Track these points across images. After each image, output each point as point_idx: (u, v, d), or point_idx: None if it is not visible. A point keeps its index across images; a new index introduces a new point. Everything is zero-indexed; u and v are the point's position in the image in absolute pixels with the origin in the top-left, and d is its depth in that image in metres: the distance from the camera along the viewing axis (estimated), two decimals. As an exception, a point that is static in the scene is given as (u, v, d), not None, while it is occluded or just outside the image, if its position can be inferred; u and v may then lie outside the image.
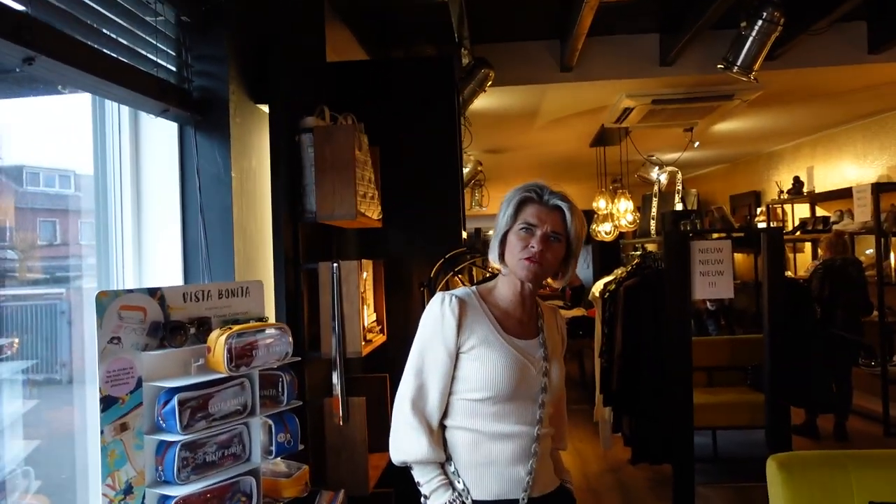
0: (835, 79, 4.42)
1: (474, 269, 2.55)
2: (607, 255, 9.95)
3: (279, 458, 1.58)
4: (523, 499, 1.42)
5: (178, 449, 1.28)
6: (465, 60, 3.58)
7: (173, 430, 1.28)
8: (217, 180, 1.70)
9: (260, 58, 1.92)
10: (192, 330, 1.40)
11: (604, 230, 6.60)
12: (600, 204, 6.62)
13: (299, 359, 1.72)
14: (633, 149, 6.04)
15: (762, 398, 3.44)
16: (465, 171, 5.71)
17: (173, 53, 1.66)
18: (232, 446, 1.40)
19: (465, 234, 2.79)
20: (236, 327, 1.38)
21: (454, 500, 1.41)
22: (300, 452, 1.59)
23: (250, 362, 1.40)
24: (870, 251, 5.39)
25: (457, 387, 1.44)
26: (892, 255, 5.26)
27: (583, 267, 11.96)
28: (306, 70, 2.21)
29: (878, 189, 5.09)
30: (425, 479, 1.44)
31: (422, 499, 1.46)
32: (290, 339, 1.51)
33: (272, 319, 1.84)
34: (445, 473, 1.44)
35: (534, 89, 4.38)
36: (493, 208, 9.40)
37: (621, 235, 7.12)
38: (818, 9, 3.39)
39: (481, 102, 4.35)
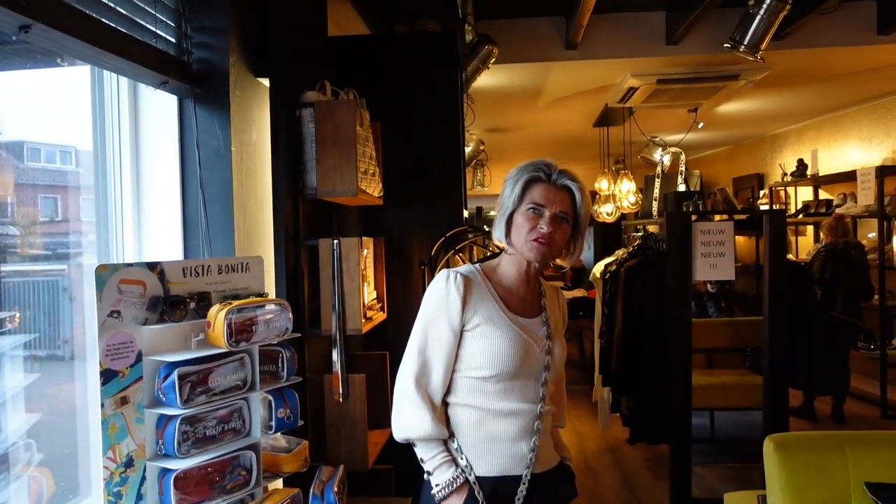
0: (842, 60, 4.37)
1: (475, 247, 2.54)
2: (609, 237, 9.94)
3: (279, 434, 1.59)
4: (526, 475, 1.43)
5: (178, 423, 1.28)
6: (469, 37, 3.53)
7: (173, 404, 1.28)
8: (217, 154, 1.68)
9: (261, 30, 1.89)
10: (192, 305, 1.40)
11: (605, 211, 6.57)
12: (602, 185, 6.59)
13: (299, 335, 1.72)
14: (636, 129, 6.00)
15: (760, 380, 3.45)
16: (468, 150, 5.67)
17: (173, 24, 1.64)
18: (232, 421, 1.40)
19: (466, 214, 2.77)
20: (236, 302, 1.38)
21: (457, 477, 1.42)
22: (300, 428, 1.59)
23: (250, 338, 1.40)
24: (872, 235, 5.37)
25: (460, 364, 1.44)
26: (894, 238, 5.25)
27: (584, 248, 11.93)
28: (307, 44, 2.18)
29: (883, 173, 5.06)
30: (428, 456, 1.44)
31: (425, 475, 1.46)
32: (290, 315, 1.50)
33: (272, 296, 1.84)
34: (448, 450, 1.44)
35: (538, 67, 4.33)
36: (494, 188, 9.35)
37: (623, 217, 7.10)
38: (828, -13, 3.34)
39: (484, 80, 4.30)
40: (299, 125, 1.95)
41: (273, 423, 1.49)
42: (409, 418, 1.43)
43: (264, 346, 1.48)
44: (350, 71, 2.47)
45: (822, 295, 5.02)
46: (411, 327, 2.59)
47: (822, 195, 6.35)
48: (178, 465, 1.29)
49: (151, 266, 1.35)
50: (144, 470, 1.30)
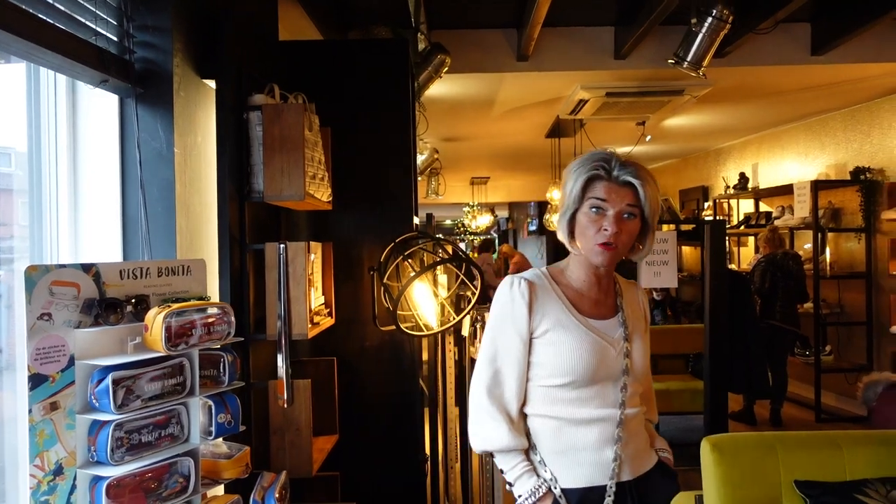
0: (779, 78, 4.57)
1: (425, 254, 2.55)
2: (560, 245, 10.08)
3: (220, 440, 1.56)
4: (610, 486, 1.36)
5: (111, 429, 1.25)
6: (422, 45, 3.57)
7: (107, 409, 1.25)
8: (159, 155, 1.65)
9: (208, 32, 1.87)
10: (129, 308, 1.36)
11: (556, 221, 6.68)
12: (554, 195, 6.69)
13: (242, 339, 1.70)
14: (587, 141, 6.14)
15: (702, 385, 3.56)
16: (422, 158, 5.70)
17: (114, 22, 1.60)
18: (169, 427, 1.37)
19: (416, 220, 2.79)
20: (175, 305, 1.35)
21: (540, 486, 1.36)
22: (243, 434, 1.57)
23: (189, 342, 1.37)
24: (808, 245, 5.62)
25: (533, 373, 1.39)
26: (827, 249, 5.50)
27: (535, 257, 12.12)
28: (256, 47, 2.16)
29: (817, 187, 5.31)
30: (509, 467, 1.40)
31: (506, 486, 1.42)
32: (233, 319, 1.48)
33: (216, 299, 1.81)
34: (530, 460, 1.39)
35: (490, 78, 4.39)
36: (449, 197, 9.44)
37: (574, 226, 7.21)
38: (764, 8, 3.49)
39: (438, 89, 4.34)
40: (246, 128, 1.93)
41: (213, 429, 1.46)
42: (485, 430, 1.40)
43: (205, 351, 1.46)
44: (300, 76, 2.46)
45: (762, 304, 5.22)
46: (360, 333, 2.60)
47: (763, 207, 6.61)
48: (111, 472, 1.25)
49: (86, 268, 1.31)
50: (75, 478, 1.26)
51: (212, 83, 1.90)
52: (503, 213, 16.11)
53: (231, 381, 1.51)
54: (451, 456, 3.01)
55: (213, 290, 1.83)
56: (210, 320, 1.43)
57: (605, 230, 1.33)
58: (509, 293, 1.41)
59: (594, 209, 1.34)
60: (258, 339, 1.94)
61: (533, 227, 13.03)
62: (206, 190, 1.88)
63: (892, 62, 4.12)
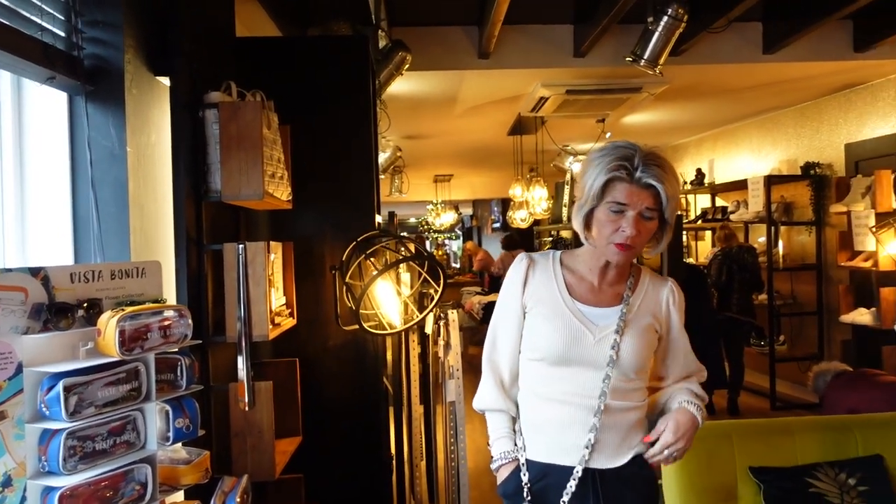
0: (733, 76, 4.69)
1: (388, 252, 2.54)
2: (523, 242, 10.17)
3: (179, 445, 1.53)
4: (577, 470, 1.39)
5: (63, 437, 1.21)
6: (383, 42, 3.55)
7: (58, 417, 1.21)
8: (111, 155, 1.60)
9: (161, 27, 1.83)
10: (81, 312, 1.32)
11: (519, 217, 6.74)
12: (516, 191, 6.75)
13: (201, 342, 1.67)
14: (548, 138, 6.20)
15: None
16: (384, 156, 5.66)
17: (61, 17, 1.55)
18: (125, 433, 1.34)
19: (379, 219, 2.77)
20: (129, 309, 1.32)
21: (508, 453, 1.47)
22: (202, 438, 1.54)
23: (145, 346, 1.34)
24: (762, 239, 5.79)
25: (522, 345, 1.48)
26: (780, 242, 5.68)
27: (498, 254, 12.18)
28: (212, 43, 2.12)
29: (770, 182, 5.47)
30: (492, 428, 1.51)
31: (488, 445, 1.54)
32: (190, 321, 1.45)
33: (173, 302, 1.77)
34: (513, 427, 1.49)
35: (452, 75, 4.40)
36: (413, 195, 9.41)
37: (536, 222, 7.30)
38: (718, 7, 3.58)
39: (400, 87, 4.32)
40: (203, 126, 1.89)
41: (171, 434, 1.43)
42: (481, 389, 1.53)
43: (162, 355, 1.43)
44: (259, 73, 2.42)
45: (720, 296, 5.36)
46: (322, 333, 2.58)
47: (719, 202, 6.78)
48: (64, 482, 1.21)
49: (34, 271, 1.27)
50: (25, 490, 1.22)
51: (166, 80, 1.86)
52: (467, 211, 16.15)
53: (189, 384, 1.48)
54: (417, 454, 3.01)
55: (170, 293, 1.79)
56: (166, 323, 1.40)
57: (623, 231, 1.33)
58: (513, 269, 1.52)
59: (613, 210, 1.34)
60: (217, 341, 1.90)
61: (497, 224, 13.10)
62: (161, 190, 1.84)
63: (838, 61, 4.27)
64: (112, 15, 1.61)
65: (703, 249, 7.10)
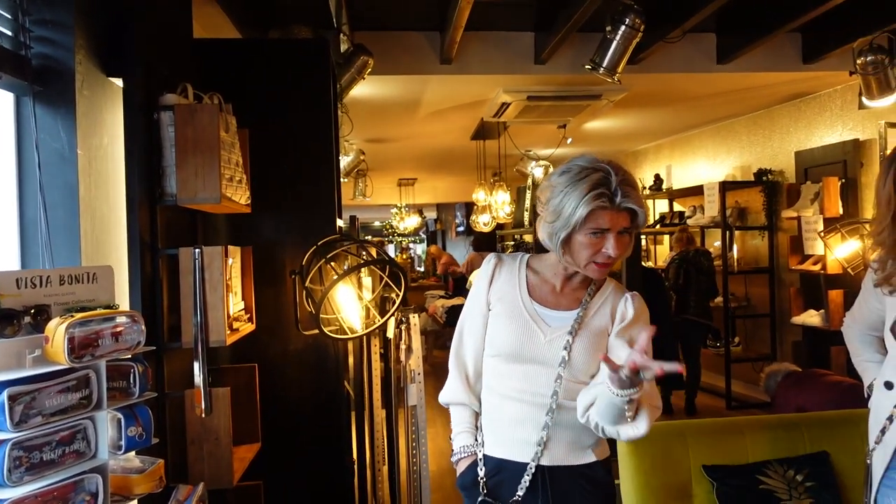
0: (688, 85, 4.82)
1: (350, 256, 2.54)
2: (486, 246, 10.23)
3: (132, 454, 1.50)
4: (530, 467, 1.43)
5: (8, 448, 1.17)
6: (344, 46, 3.54)
7: (3, 427, 1.17)
8: (60, 157, 1.56)
9: (114, 27, 1.79)
10: (28, 319, 1.29)
11: (482, 221, 6.78)
12: (479, 196, 6.79)
13: (154, 348, 1.64)
14: (511, 143, 6.26)
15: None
16: (347, 159, 5.64)
17: (7, 16, 1.51)
18: (74, 443, 1.31)
19: (340, 223, 2.76)
20: (79, 315, 1.29)
21: (467, 447, 1.52)
22: (157, 446, 1.51)
23: (96, 353, 1.31)
24: (717, 243, 5.95)
25: (486, 343, 1.52)
26: (734, 246, 5.84)
27: (462, 257, 12.24)
28: (168, 44, 2.09)
29: (725, 188, 5.62)
30: (455, 421, 1.57)
31: (450, 438, 1.59)
32: (143, 327, 1.43)
33: (126, 307, 1.73)
34: (475, 422, 1.54)
35: (415, 80, 4.41)
36: (377, 198, 9.38)
37: (500, 226, 7.35)
38: (673, 18, 3.67)
39: (363, 90, 4.31)
40: (158, 129, 1.86)
41: (123, 443, 1.40)
42: (447, 384, 1.58)
43: (113, 362, 1.40)
44: (217, 75, 2.39)
45: (678, 299, 5.49)
46: (282, 338, 2.56)
47: (677, 207, 6.94)
48: (9, 493, 1.18)
49: (-22, 277, 1.23)
50: (-32, 502, 1.18)
51: (119, 82, 1.82)
52: (431, 215, 16.17)
53: (142, 392, 1.46)
54: (379, 458, 3.00)
55: (124, 299, 1.75)
56: (118, 329, 1.37)
57: (606, 252, 1.36)
58: (482, 267, 1.57)
59: (594, 234, 1.36)
60: (173, 347, 1.87)
61: (461, 228, 13.15)
62: (114, 193, 1.80)
63: (788, 72, 4.42)
64: (62, 14, 1.58)
65: (662, 253, 7.26)
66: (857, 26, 3.78)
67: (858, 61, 3.65)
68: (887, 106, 3.96)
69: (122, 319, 1.39)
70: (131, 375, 1.44)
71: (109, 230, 1.78)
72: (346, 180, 6.14)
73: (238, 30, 3.25)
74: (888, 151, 3.48)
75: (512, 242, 5.78)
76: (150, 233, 1.82)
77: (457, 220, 13.70)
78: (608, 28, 3.45)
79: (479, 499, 1.46)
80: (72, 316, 1.28)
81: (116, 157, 1.82)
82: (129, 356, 1.43)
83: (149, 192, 1.82)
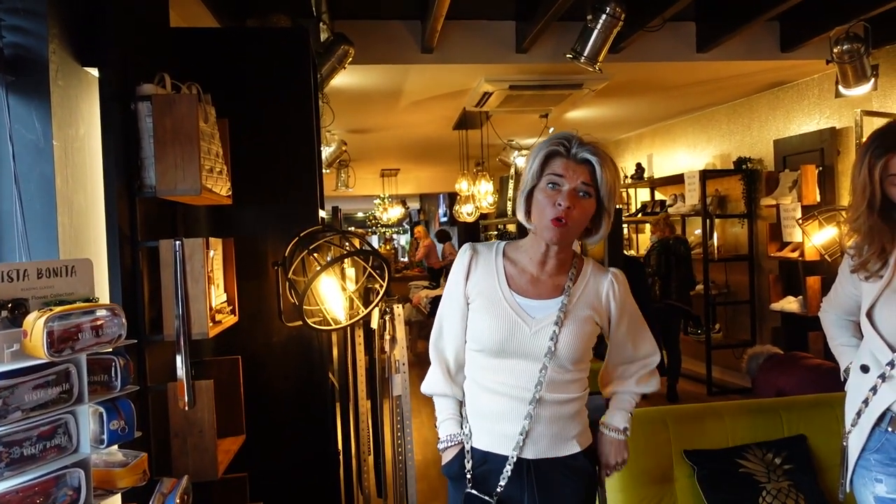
0: (669, 74, 4.85)
1: (332, 247, 2.52)
2: (470, 236, 10.26)
3: (115, 447, 1.49)
4: (511, 458, 1.43)
5: (-12, 443, 1.16)
6: (324, 35, 3.50)
7: (-19, 422, 1.16)
8: (36, 149, 1.54)
9: (89, 16, 1.76)
10: (5, 313, 1.27)
11: (466, 211, 6.78)
12: (462, 186, 6.79)
13: (136, 341, 1.62)
14: (493, 133, 6.25)
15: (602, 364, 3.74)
16: (329, 150, 5.60)
17: (-22, 4, 1.48)
18: (56, 437, 1.29)
19: (323, 213, 2.75)
20: (58, 309, 1.27)
21: (453, 436, 1.52)
22: (140, 440, 1.50)
23: (76, 346, 1.30)
24: (698, 231, 6.01)
25: (467, 336, 1.51)
26: (715, 234, 5.90)
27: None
28: (144, 33, 2.05)
29: (705, 176, 5.68)
30: (439, 410, 1.57)
31: (435, 425, 1.59)
32: (124, 320, 1.41)
33: (106, 300, 1.71)
34: (459, 411, 1.54)
35: (396, 69, 4.38)
36: (359, 189, 9.34)
37: (483, 216, 7.36)
38: (653, 7, 3.69)
39: (344, 80, 4.28)
40: (135, 120, 1.83)
41: (105, 437, 1.39)
42: (429, 375, 1.58)
43: (94, 355, 1.38)
44: (195, 65, 2.36)
45: (660, 284, 5.54)
46: (265, 329, 2.55)
47: (658, 196, 7.00)
48: (-10, 489, 1.16)
49: (-47, 271, 1.21)
50: (-53, 499, 1.16)
51: (95, 72, 1.79)
52: (415, 205, 16.14)
53: (124, 385, 1.44)
54: (364, 449, 3.01)
55: (103, 292, 1.73)
56: (98, 323, 1.35)
57: (559, 205, 1.35)
58: (457, 260, 1.54)
59: (550, 185, 1.37)
60: (155, 340, 1.85)
61: (444, 219, 13.14)
62: (91, 185, 1.78)
63: (766, 60, 4.46)
64: (35, 2, 1.54)
65: (644, 242, 7.32)
66: (834, 15, 3.82)
67: (835, 50, 3.69)
68: (863, 94, 4.02)
69: (102, 313, 1.37)
70: (112, 369, 1.43)
71: (87, 222, 1.75)
72: (328, 171, 6.11)
73: (216, 19, 3.21)
74: (864, 139, 3.54)
75: (495, 232, 5.79)
76: (130, 225, 1.80)
77: (440, 211, 13.69)
78: (589, 17, 3.45)
79: (465, 491, 1.46)
80: (50, 310, 1.26)
81: (93, 149, 1.79)
82: (110, 349, 1.41)
83: (127, 183, 1.79)
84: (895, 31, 3.97)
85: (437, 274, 8.50)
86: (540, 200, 1.39)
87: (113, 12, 1.77)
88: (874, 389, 1.55)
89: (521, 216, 1.45)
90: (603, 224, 1.43)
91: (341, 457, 2.78)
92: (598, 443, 1.56)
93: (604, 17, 3.40)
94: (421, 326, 7.56)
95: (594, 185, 1.37)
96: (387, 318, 2.71)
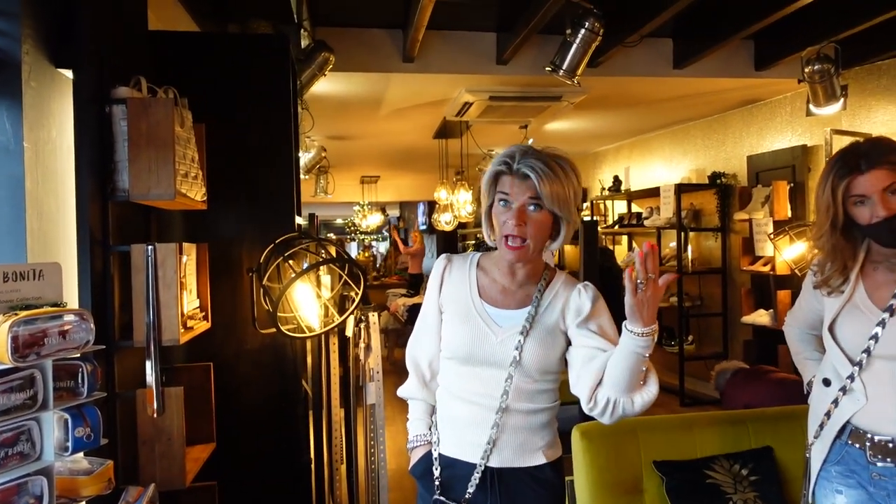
0: (646, 89, 4.92)
1: (308, 254, 2.52)
2: (448, 244, 10.29)
3: (80, 455, 1.46)
4: (479, 466, 1.44)
5: (-53, 450, 1.14)
6: (305, 42, 3.51)
7: (-59, 429, 1.14)
8: (6, 150, 1.52)
9: (64, 17, 1.74)
10: (-31, 317, 1.25)
11: (444, 220, 6.80)
12: (441, 194, 6.81)
13: (104, 347, 1.60)
14: (473, 143, 6.29)
15: (578, 376, 3.77)
16: (308, 156, 5.59)
17: (-50, 3, 1.46)
18: (18, 444, 1.27)
19: (300, 220, 2.74)
20: (23, 313, 1.25)
21: (423, 436, 1.56)
22: (107, 447, 1.48)
23: (42, 352, 1.28)
24: (673, 244, 6.09)
25: (441, 344, 1.54)
26: (689, 247, 5.99)
27: (426, 256, 12.25)
28: (121, 36, 2.04)
29: (680, 190, 5.76)
30: (411, 410, 1.61)
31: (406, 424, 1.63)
32: (92, 325, 1.39)
33: (75, 305, 1.69)
34: (430, 415, 1.58)
35: (377, 77, 4.40)
36: (339, 196, 9.32)
37: (462, 225, 7.39)
38: (631, 23, 3.75)
39: (324, 87, 4.28)
40: (110, 123, 1.82)
41: (70, 444, 1.37)
42: (406, 381, 1.61)
43: (60, 361, 1.36)
44: (173, 69, 2.35)
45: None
46: (239, 336, 2.53)
47: (635, 208, 7.08)
48: (-52, 497, 1.14)
49: (-85, 274, 1.18)
50: None
51: (70, 73, 1.77)
52: (394, 213, 16.13)
53: (91, 392, 1.42)
54: (337, 458, 2.99)
55: (73, 296, 1.71)
56: (66, 328, 1.34)
57: (508, 223, 1.37)
58: (433, 270, 1.57)
59: (501, 202, 1.40)
60: (124, 346, 1.83)
61: (423, 227, 13.15)
62: (63, 188, 1.75)
63: (741, 78, 4.56)
64: (8, 2, 1.53)
65: (620, 253, 7.39)
66: (806, 36, 3.92)
67: (806, 70, 3.79)
68: (833, 114, 4.12)
69: (69, 317, 1.35)
70: (79, 375, 1.41)
71: (58, 226, 1.73)
72: (307, 177, 6.08)
73: (196, 22, 3.19)
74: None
75: (473, 241, 5.81)
76: (101, 229, 1.78)
77: (419, 219, 13.70)
78: (568, 31, 3.50)
79: (433, 497, 1.48)
80: (16, 314, 1.24)
81: (65, 151, 1.77)
82: (78, 355, 1.39)
83: (100, 187, 1.78)
84: (864, 53, 4.09)
85: (416, 281, 8.49)
86: (496, 215, 1.42)
87: (89, 13, 1.75)
88: (836, 402, 1.58)
89: (486, 234, 1.48)
90: (563, 230, 1.43)
91: (313, 465, 2.77)
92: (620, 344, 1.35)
93: (583, 31, 3.45)
94: (398, 334, 7.54)
95: (539, 198, 1.37)
96: (362, 326, 2.70)
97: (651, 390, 1.42)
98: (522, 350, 1.42)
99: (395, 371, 6.77)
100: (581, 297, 1.47)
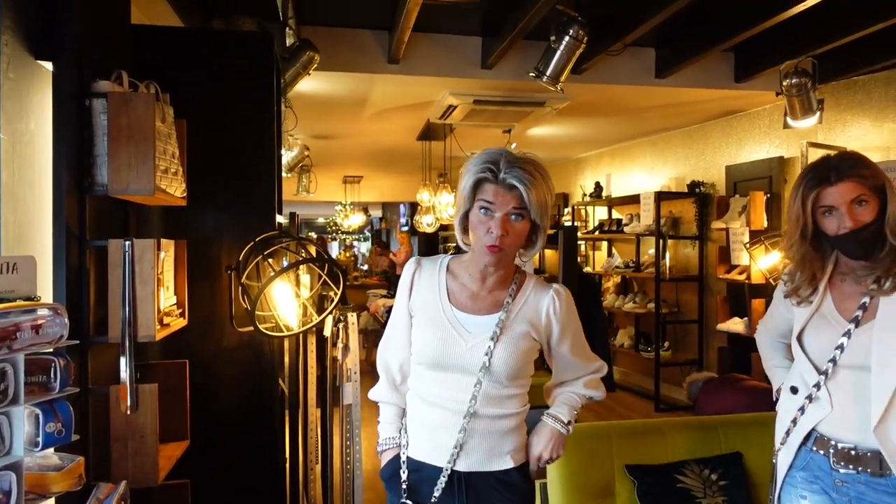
0: (629, 97, 4.98)
1: (288, 253, 2.51)
2: (430, 246, 10.30)
3: (51, 451, 1.45)
4: (446, 469, 1.44)
5: (-86, 443, 1.12)
6: (290, 40, 3.50)
7: None
8: (-18, 142, 1.50)
9: (45, 9, 1.73)
10: (-60, 309, 1.23)
11: (426, 222, 6.81)
12: (424, 196, 6.82)
13: (78, 342, 1.59)
14: (457, 146, 6.31)
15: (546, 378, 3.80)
16: (291, 155, 5.56)
17: (-72, -9, 1.44)
18: (-13, 439, 1.26)
19: (280, 219, 2.74)
20: (-4, 307, 1.24)
21: (391, 439, 1.56)
22: (78, 443, 1.47)
23: (14, 346, 1.27)
24: (652, 251, 6.16)
25: (412, 349, 1.53)
26: (668, 254, 6.07)
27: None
28: (103, 29, 2.02)
29: (660, 197, 5.84)
30: (382, 413, 1.61)
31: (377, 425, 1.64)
32: (66, 320, 1.38)
33: (50, 299, 1.67)
34: (401, 418, 1.58)
35: (362, 78, 4.40)
36: (321, 195, 9.28)
37: (443, 227, 7.40)
38: (615, 32, 3.80)
39: (308, 85, 4.27)
40: (89, 116, 1.80)
41: (40, 440, 1.36)
42: (377, 383, 1.62)
43: (33, 356, 1.35)
44: (155, 64, 2.33)
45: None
46: (216, 334, 2.52)
47: (615, 215, 7.15)
48: (-87, 491, 1.13)
49: None
50: None
51: (50, 66, 1.76)
52: (377, 213, 16.10)
53: (63, 387, 1.41)
54: (312, 458, 2.99)
55: (47, 291, 1.69)
56: (39, 322, 1.32)
57: (492, 233, 1.36)
58: (403, 274, 1.57)
59: (483, 210, 1.38)
60: (99, 341, 1.82)
61: (405, 228, 13.15)
62: (39, 181, 1.74)
63: (721, 89, 4.64)
64: (-11, -8, 1.51)
65: (600, 259, 7.46)
66: (785, 50, 4.00)
67: (784, 83, 3.86)
68: (809, 127, 4.21)
69: (43, 312, 1.34)
70: (52, 370, 1.40)
71: (33, 219, 1.71)
72: (289, 175, 6.06)
73: (180, 18, 3.17)
74: (808, 170, 3.70)
75: (454, 244, 5.83)
76: (78, 223, 1.76)
77: (402, 220, 13.69)
78: (553, 38, 3.53)
79: (400, 501, 1.49)
80: (-12, 307, 1.23)
81: (43, 144, 1.75)
82: (51, 350, 1.38)
83: (78, 181, 1.76)
84: (840, 68, 4.18)
85: (398, 282, 8.50)
86: (475, 223, 1.40)
87: (71, 5, 1.74)
88: (802, 409, 1.62)
89: (459, 238, 1.49)
90: (539, 239, 1.45)
91: (288, 465, 2.76)
92: (535, 433, 1.52)
93: (567, 38, 3.48)
94: (378, 335, 7.52)
95: (525, 208, 1.37)
96: (340, 326, 2.70)
97: (600, 394, 1.63)
98: (492, 356, 1.42)
99: (373, 372, 6.74)
100: (555, 304, 1.50)
